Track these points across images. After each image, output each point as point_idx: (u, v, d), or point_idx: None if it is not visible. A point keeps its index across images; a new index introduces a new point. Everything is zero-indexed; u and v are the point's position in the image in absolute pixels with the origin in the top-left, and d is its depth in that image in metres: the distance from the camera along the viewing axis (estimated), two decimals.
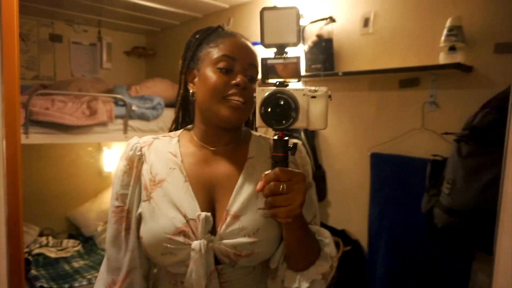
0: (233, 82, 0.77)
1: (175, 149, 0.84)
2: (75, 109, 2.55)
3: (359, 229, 2.07)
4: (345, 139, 2.16)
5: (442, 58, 1.60)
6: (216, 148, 0.84)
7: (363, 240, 2.05)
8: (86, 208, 3.39)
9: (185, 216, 0.75)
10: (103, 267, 0.85)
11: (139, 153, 0.83)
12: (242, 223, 0.75)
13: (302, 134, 2.23)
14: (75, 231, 3.39)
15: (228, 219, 0.76)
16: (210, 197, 0.80)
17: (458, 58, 1.55)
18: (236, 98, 0.77)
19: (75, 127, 2.51)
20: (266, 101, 0.62)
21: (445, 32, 1.58)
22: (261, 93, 0.63)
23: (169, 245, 0.74)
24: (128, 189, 0.81)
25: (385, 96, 1.95)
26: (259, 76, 0.71)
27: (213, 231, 0.76)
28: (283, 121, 0.62)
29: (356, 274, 2.01)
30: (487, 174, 1.31)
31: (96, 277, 0.90)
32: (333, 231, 2.14)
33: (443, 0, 1.68)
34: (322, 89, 0.63)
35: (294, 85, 0.65)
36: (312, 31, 2.15)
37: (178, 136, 0.88)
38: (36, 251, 2.90)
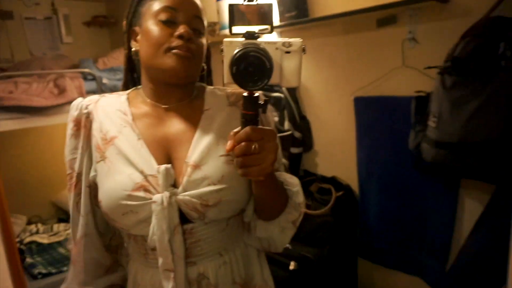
0: (177, 33, 0.73)
1: (124, 107, 0.80)
2: (42, 89, 2.41)
3: (349, 174, 2.10)
4: (327, 87, 2.14)
5: None
6: (168, 106, 0.80)
7: (354, 184, 2.10)
8: None
9: (142, 172, 0.72)
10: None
11: (85, 111, 0.79)
12: (205, 172, 0.73)
13: (283, 87, 2.19)
14: (63, 215, 3.33)
15: (189, 169, 0.73)
16: (166, 154, 0.77)
17: None
18: (182, 50, 0.73)
19: (45, 108, 2.37)
20: (238, 60, 0.57)
21: None
22: (229, 46, 0.58)
23: (129, 202, 0.71)
24: (76, 153, 0.79)
25: (363, 38, 1.91)
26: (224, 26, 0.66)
27: (175, 186, 0.74)
28: (258, 82, 0.58)
29: (349, 217, 2.08)
30: (471, 104, 1.32)
31: None
32: (324, 179, 2.18)
33: None
34: (297, 43, 0.59)
35: (264, 36, 0.60)
36: None
37: (127, 94, 0.84)
38: (28, 239, 2.85)
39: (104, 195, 0.74)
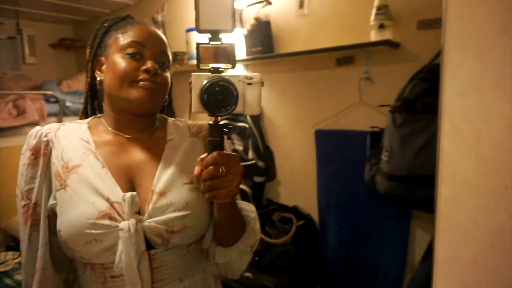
0: (143, 67, 0.76)
1: (86, 135, 0.81)
2: (0, 110, 2.33)
3: (310, 204, 2.17)
4: (289, 119, 2.23)
5: (373, 36, 1.71)
6: (131, 136, 0.83)
7: (314, 214, 2.16)
8: None
9: (108, 200, 0.72)
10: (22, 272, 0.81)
11: (45, 139, 0.78)
12: (170, 199, 0.75)
13: (248, 117, 2.26)
14: (13, 242, 3.12)
15: (154, 197, 0.75)
16: (130, 182, 0.78)
17: (387, 35, 1.67)
18: (148, 83, 0.76)
19: (1, 129, 2.29)
20: (208, 89, 0.62)
21: (374, 11, 1.68)
22: (197, 79, 0.64)
23: (93, 231, 0.70)
24: (34, 182, 0.76)
25: (323, 75, 2.04)
26: (193, 61, 0.71)
27: (139, 213, 0.75)
28: (226, 108, 0.63)
29: (310, 246, 2.12)
30: (418, 139, 1.44)
31: None
32: (285, 208, 2.23)
33: None
34: (257, 76, 0.66)
35: (228, 71, 0.67)
36: (249, 15, 2.16)
37: (88, 123, 0.85)
38: None
39: (65, 224, 0.72)
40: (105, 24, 0.84)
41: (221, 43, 0.65)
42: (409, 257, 1.80)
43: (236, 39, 2.22)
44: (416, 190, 1.47)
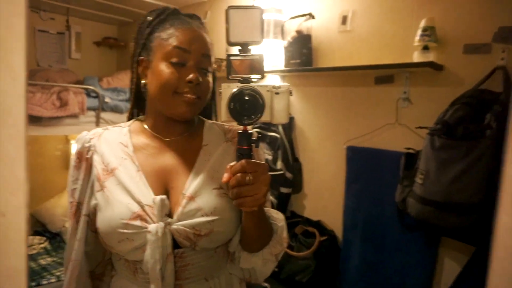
0: (187, 78, 0.77)
1: (125, 139, 0.85)
2: (44, 100, 2.45)
3: (334, 220, 2.14)
4: (321, 133, 2.22)
5: (416, 57, 1.69)
6: (169, 139, 0.85)
7: (338, 231, 2.13)
8: (52, 204, 3.26)
9: (139, 203, 0.76)
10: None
11: (87, 144, 0.83)
12: (198, 203, 0.77)
13: (280, 127, 2.27)
14: (40, 228, 3.24)
15: (184, 201, 0.77)
16: (164, 185, 0.81)
17: (430, 57, 1.65)
18: (189, 95, 0.78)
19: (44, 119, 2.40)
20: (235, 98, 0.65)
21: (419, 32, 1.67)
22: (227, 89, 0.66)
23: (125, 231, 0.74)
24: (77, 183, 0.82)
25: (360, 92, 2.03)
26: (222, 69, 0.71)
27: (170, 215, 0.78)
28: (252, 116, 0.65)
29: (331, 263, 2.09)
30: (456, 166, 1.41)
31: None
32: (309, 222, 2.21)
33: (418, 1, 1.77)
34: (285, 86, 0.67)
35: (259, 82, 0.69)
36: (291, 27, 2.19)
37: (129, 126, 0.89)
38: None
39: (102, 223, 0.77)
40: (150, 19, 0.84)
41: (251, 55, 0.67)
42: (435, 286, 1.74)
43: (276, 50, 2.25)
44: (449, 217, 1.43)
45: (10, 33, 0.36)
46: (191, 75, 0.77)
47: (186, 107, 0.79)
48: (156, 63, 0.80)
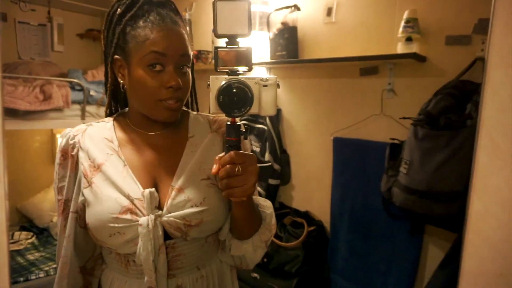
0: (167, 85, 0.76)
1: (110, 134, 0.85)
2: (27, 93, 2.40)
3: (322, 211, 2.17)
4: (308, 125, 2.24)
5: (400, 48, 1.71)
6: (154, 133, 0.85)
7: (326, 221, 2.16)
8: (39, 199, 3.22)
9: (128, 197, 0.76)
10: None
11: (72, 141, 0.83)
12: (187, 195, 0.78)
13: (267, 119, 2.28)
14: (27, 223, 3.20)
15: (173, 193, 0.78)
16: (152, 179, 0.81)
17: (414, 48, 1.67)
18: (172, 101, 0.77)
19: (28, 112, 2.36)
20: (224, 90, 0.65)
21: (402, 23, 1.68)
22: (215, 81, 0.66)
23: (116, 225, 0.74)
24: (64, 181, 0.82)
25: (346, 83, 2.05)
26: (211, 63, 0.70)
27: (159, 208, 0.79)
28: (241, 109, 0.66)
29: (319, 253, 2.12)
30: (439, 155, 1.44)
31: (54, 268, 0.92)
32: (297, 213, 2.24)
33: None
34: (272, 78, 0.68)
35: (246, 74, 0.69)
36: (277, 19, 2.18)
37: (113, 121, 0.88)
38: None
39: (92, 218, 0.77)
40: (118, 12, 0.80)
41: (238, 47, 0.67)
42: (420, 272, 1.79)
43: (262, 42, 2.25)
44: (433, 206, 1.47)
45: None
46: (171, 82, 0.76)
47: (168, 113, 0.79)
48: (133, 68, 0.77)
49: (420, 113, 1.55)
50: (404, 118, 1.66)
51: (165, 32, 0.76)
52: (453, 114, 1.46)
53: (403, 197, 1.53)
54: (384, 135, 1.83)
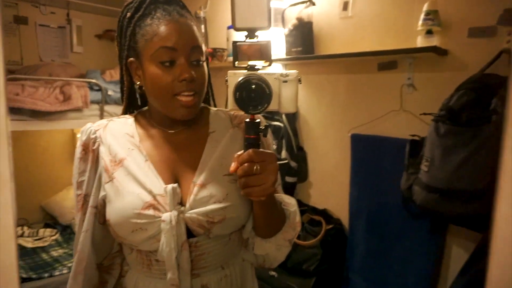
0: (180, 78, 0.75)
1: (131, 130, 0.84)
2: (48, 94, 2.46)
3: (340, 209, 2.14)
4: (325, 121, 2.21)
5: (420, 42, 1.66)
6: (174, 130, 0.85)
7: (344, 219, 2.13)
8: (62, 197, 3.30)
9: (150, 192, 0.75)
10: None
11: (93, 136, 0.82)
12: (210, 191, 0.77)
13: (284, 116, 2.25)
14: (51, 220, 3.29)
15: (195, 189, 0.77)
16: (173, 173, 0.80)
17: (434, 41, 1.61)
18: (186, 93, 0.76)
19: (48, 113, 2.42)
20: (241, 87, 0.63)
21: (422, 16, 1.63)
22: (233, 77, 0.64)
23: (138, 221, 0.73)
24: (85, 175, 0.82)
25: (364, 79, 2.00)
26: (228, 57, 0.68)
27: (181, 204, 0.77)
28: (258, 106, 0.64)
29: (337, 251, 2.10)
30: (461, 152, 1.39)
31: None
32: (315, 210, 2.21)
33: None
34: (293, 74, 0.65)
35: (265, 69, 0.66)
36: (292, 14, 2.15)
37: (134, 117, 0.88)
38: None
39: (113, 214, 0.76)
40: (128, 15, 0.80)
41: (258, 41, 0.65)
42: (443, 274, 1.74)
43: (277, 38, 2.22)
44: (453, 205, 1.42)
45: None
46: (184, 75, 0.75)
47: (185, 110, 0.77)
48: (146, 66, 0.77)
49: (442, 108, 1.49)
50: (425, 114, 1.61)
51: (172, 25, 0.75)
52: (477, 109, 1.40)
53: (424, 196, 1.49)
54: (403, 132, 1.78)
